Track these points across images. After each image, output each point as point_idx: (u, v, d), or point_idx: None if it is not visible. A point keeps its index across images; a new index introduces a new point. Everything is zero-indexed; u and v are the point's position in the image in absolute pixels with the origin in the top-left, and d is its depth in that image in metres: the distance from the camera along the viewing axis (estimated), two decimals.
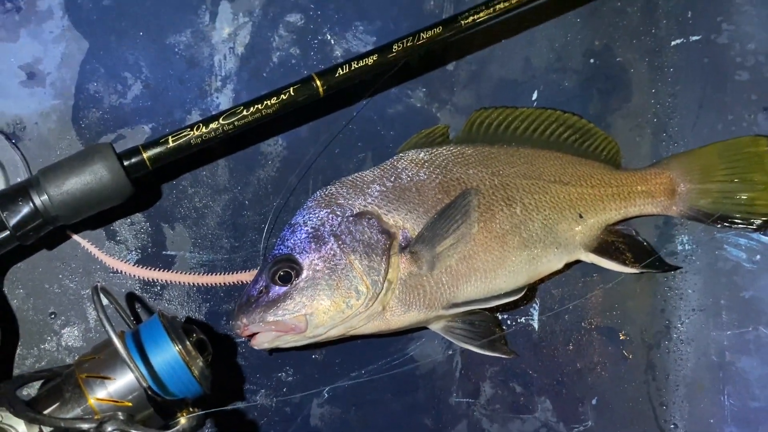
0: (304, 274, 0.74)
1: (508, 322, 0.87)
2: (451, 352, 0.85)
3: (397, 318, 0.76)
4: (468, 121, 0.83)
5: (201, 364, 0.70)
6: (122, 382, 0.66)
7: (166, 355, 0.68)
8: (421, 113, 0.85)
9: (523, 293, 0.80)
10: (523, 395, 0.86)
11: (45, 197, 0.69)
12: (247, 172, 0.83)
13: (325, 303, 0.73)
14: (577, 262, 0.84)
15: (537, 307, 0.87)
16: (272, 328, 0.74)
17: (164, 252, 0.82)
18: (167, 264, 0.82)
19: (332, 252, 0.74)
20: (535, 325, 0.87)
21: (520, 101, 0.87)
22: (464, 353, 0.85)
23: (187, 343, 0.69)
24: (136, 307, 0.81)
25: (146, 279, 0.81)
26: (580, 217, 0.83)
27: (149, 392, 0.64)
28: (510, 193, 0.80)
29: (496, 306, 0.81)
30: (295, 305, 0.74)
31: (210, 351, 0.71)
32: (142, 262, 0.81)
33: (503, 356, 0.82)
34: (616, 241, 0.85)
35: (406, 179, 0.79)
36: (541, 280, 0.85)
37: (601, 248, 0.83)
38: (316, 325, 0.74)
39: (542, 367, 0.86)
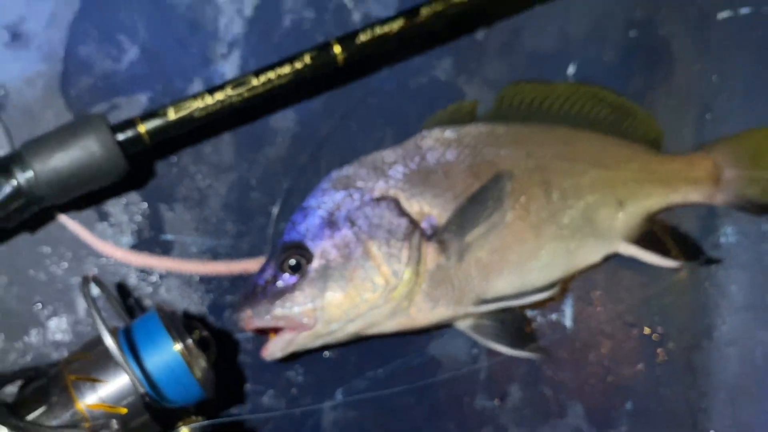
0: (316, 263, 0.68)
1: (538, 319, 0.81)
2: (475, 351, 0.80)
3: (424, 315, 0.71)
4: (498, 97, 0.77)
5: (204, 364, 0.63)
6: (115, 385, 0.60)
7: (166, 355, 0.61)
8: (446, 87, 0.80)
9: (557, 290, 0.75)
10: (553, 399, 0.81)
11: (30, 174, 0.63)
12: (254, 150, 0.77)
13: (338, 295, 0.67)
14: (615, 255, 0.79)
15: (571, 304, 0.81)
16: (279, 323, 0.68)
17: (162, 236, 0.76)
18: (165, 250, 0.76)
19: (347, 239, 0.69)
20: (567, 323, 0.81)
21: (555, 75, 0.82)
22: (490, 353, 0.79)
23: (189, 341, 0.63)
24: (131, 298, 0.75)
25: (142, 266, 0.75)
26: (620, 204, 0.77)
27: (146, 398, 0.58)
28: (547, 176, 0.74)
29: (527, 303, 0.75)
30: (305, 297, 0.68)
31: (214, 350, 0.65)
32: (138, 247, 0.75)
33: (533, 356, 0.77)
34: (657, 231, 0.80)
35: (432, 160, 0.73)
36: (574, 275, 0.79)
37: (642, 239, 0.78)
38: (327, 321, 0.68)
39: (574, 368, 0.81)
